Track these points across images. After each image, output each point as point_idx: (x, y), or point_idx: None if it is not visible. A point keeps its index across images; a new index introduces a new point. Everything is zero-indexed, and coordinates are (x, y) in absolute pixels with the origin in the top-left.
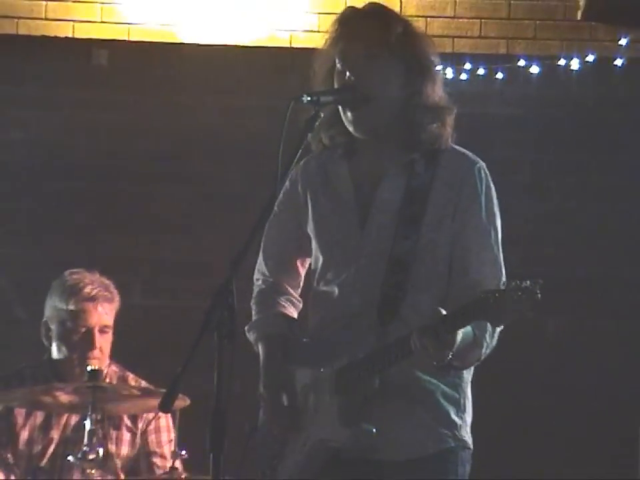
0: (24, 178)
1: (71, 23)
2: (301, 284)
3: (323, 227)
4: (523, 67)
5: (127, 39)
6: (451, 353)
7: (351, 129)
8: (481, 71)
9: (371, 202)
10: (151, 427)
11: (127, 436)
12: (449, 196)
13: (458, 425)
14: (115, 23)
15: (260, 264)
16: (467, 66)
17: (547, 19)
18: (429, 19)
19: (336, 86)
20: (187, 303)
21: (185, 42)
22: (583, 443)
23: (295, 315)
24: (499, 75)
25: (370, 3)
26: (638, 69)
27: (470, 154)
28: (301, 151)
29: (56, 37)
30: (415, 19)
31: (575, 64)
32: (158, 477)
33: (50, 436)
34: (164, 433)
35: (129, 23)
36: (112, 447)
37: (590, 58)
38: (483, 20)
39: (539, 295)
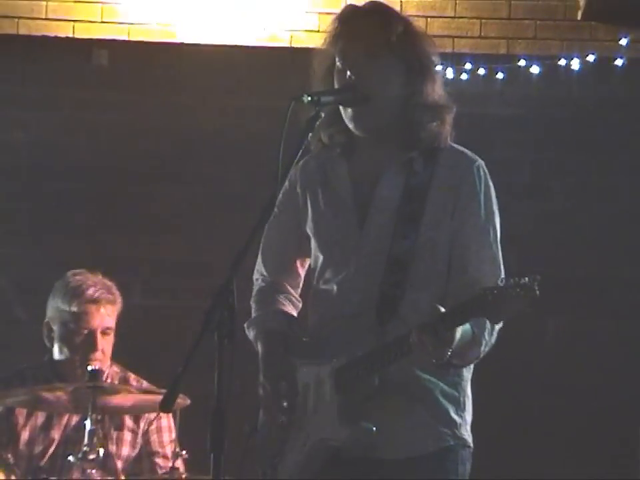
0: (24, 178)
1: (72, 22)
2: (301, 284)
3: (322, 227)
4: (523, 66)
5: (127, 39)
6: (450, 351)
7: (351, 126)
8: (481, 71)
9: (370, 201)
10: (153, 427)
11: (128, 436)
12: (448, 194)
13: (458, 424)
14: (115, 23)
15: (259, 264)
16: (468, 66)
17: (548, 19)
18: (429, 18)
19: (336, 85)
20: (187, 303)
21: (186, 42)
22: (583, 443)
23: (295, 314)
24: (500, 75)
25: (370, 2)
26: (638, 69)
27: (469, 152)
28: (301, 151)
29: (56, 37)
30: (415, 18)
31: (575, 64)
32: (159, 477)
33: (51, 436)
34: (165, 433)
35: (129, 23)
36: (112, 448)
37: (590, 58)
38: (483, 20)
39: (537, 292)
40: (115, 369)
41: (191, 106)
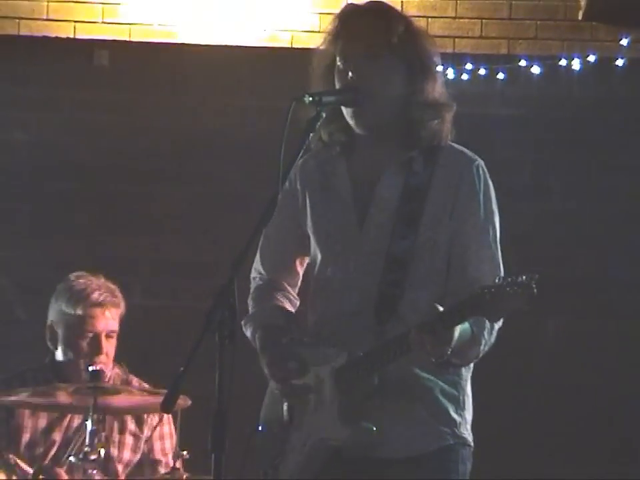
0: (25, 178)
1: (73, 23)
2: (299, 283)
3: (321, 225)
4: (524, 67)
5: (128, 39)
6: (449, 350)
7: (351, 122)
8: (482, 71)
9: (370, 200)
10: (156, 433)
11: (129, 440)
12: (447, 194)
13: (457, 423)
14: (116, 23)
15: (257, 262)
16: (468, 66)
17: (548, 19)
18: (430, 19)
19: (337, 84)
20: (187, 303)
21: (186, 42)
22: (583, 443)
23: (293, 311)
24: (500, 75)
25: (371, 1)
26: (639, 69)
27: (468, 152)
28: (302, 151)
29: (57, 38)
30: (416, 19)
31: (576, 64)
32: (159, 476)
33: (52, 438)
34: (167, 440)
35: (130, 24)
36: (114, 451)
37: (591, 58)
38: (484, 20)
39: (535, 290)
40: (117, 371)
41: (192, 106)
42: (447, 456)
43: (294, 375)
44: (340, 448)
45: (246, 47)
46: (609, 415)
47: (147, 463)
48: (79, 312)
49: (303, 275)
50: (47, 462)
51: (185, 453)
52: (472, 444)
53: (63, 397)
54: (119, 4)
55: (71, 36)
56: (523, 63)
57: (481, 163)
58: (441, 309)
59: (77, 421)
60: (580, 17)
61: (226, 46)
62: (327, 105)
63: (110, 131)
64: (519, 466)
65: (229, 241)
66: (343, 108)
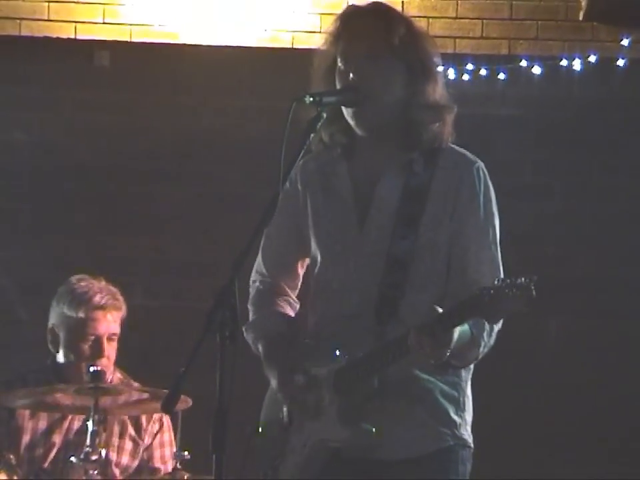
0: (25, 178)
1: (74, 24)
2: (299, 285)
3: (322, 227)
4: (524, 67)
5: (129, 40)
6: (449, 352)
7: (352, 123)
8: (482, 72)
9: (370, 201)
10: (156, 441)
11: (129, 445)
12: (448, 196)
13: (457, 424)
14: (117, 24)
15: (259, 264)
16: (469, 66)
17: (549, 20)
18: (430, 19)
19: (338, 85)
20: (188, 304)
21: (187, 43)
22: (583, 443)
23: (293, 315)
24: (501, 76)
25: (372, 2)
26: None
27: (468, 154)
28: (303, 151)
29: (58, 38)
30: (417, 19)
31: (576, 64)
32: (160, 476)
33: (52, 440)
34: (167, 447)
35: (131, 24)
36: (113, 455)
37: (592, 58)
38: (484, 20)
39: (534, 291)
40: (119, 375)
41: (192, 106)
42: (447, 457)
43: (302, 390)
44: (340, 449)
45: (246, 47)
46: (609, 415)
47: (146, 470)
48: (81, 315)
49: (303, 277)
50: (46, 464)
51: (185, 453)
52: (472, 445)
53: (63, 398)
54: (120, 5)
55: (72, 36)
56: (523, 63)
57: (481, 165)
58: (440, 310)
59: (77, 424)
60: (581, 18)
61: (226, 46)
62: (328, 105)
63: (110, 131)
64: (519, 466)
65: (229, 241)
66: (343, 108)
